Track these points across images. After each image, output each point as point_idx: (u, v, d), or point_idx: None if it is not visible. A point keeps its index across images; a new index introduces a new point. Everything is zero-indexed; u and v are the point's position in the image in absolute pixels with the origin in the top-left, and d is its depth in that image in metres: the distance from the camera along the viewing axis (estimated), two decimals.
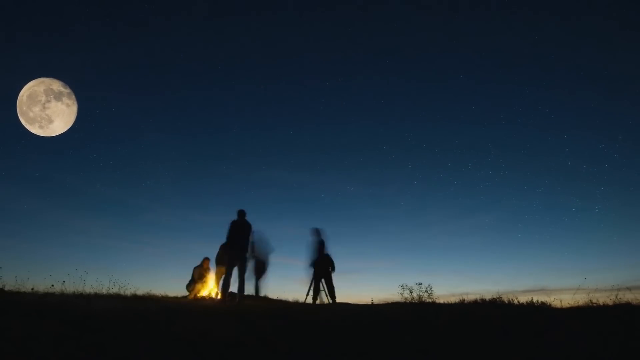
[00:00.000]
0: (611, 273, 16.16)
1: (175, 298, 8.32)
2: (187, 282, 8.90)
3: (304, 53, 20.09)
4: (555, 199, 18.14)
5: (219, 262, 8.68)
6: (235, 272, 7.46)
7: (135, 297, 6.30)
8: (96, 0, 17.22)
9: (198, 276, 8.88)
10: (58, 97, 11.26)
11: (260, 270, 8.87)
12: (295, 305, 7.44)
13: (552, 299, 6.79)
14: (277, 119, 20.41)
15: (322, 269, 8.80)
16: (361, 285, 18.23)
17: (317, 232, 9.05)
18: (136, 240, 18.85)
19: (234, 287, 7.50)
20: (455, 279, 18.32)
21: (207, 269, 9.09)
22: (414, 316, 4.84)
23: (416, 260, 19.00)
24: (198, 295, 8.75)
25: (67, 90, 11.41)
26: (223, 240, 7.64)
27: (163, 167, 19.20)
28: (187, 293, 8.79)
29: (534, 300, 7.07)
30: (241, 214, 7.81)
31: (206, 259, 9.13)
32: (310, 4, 19.16)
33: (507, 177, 18.11)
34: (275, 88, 20.24)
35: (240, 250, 7.46)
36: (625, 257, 16.47)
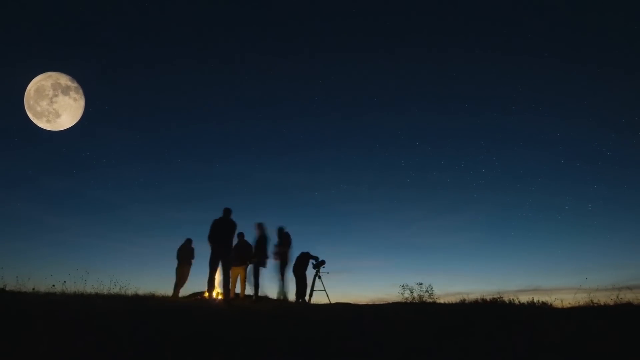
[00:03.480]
0: (605, 272, 16.19)
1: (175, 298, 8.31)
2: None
3: (295, 50, 20.04)
4: (548, 197, 18.16)
5: (178, 258, 8.96)
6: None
7: (136, 298, 6.28)
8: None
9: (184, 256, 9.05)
10: (65, 91, 11.26)
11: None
12: (296, 306, 7.44)
13: (552, 298, 6.81)
14: (270, 117, 20.37)
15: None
16: (353, 284, 18.17)
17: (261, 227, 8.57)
18: (127, 242, 18.84)
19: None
20: (447, 278, 18.28)
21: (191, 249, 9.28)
22: (418, 316, 4.84)
23: (408, 259, 18.95)
24: (197, 296, 8.74)
25: (75, 85, 11.45)
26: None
27: (153, 167, 19.20)
28: (190, 293, 8.81)
29: (535, 300, 7.09)
30: (226, 212, 7.68)
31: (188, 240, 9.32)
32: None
33: (500, 175, 18.15)
34: (267, 87, 20.19)
35: (223, 248, 7.41)
36: (619, 256, 16.50)
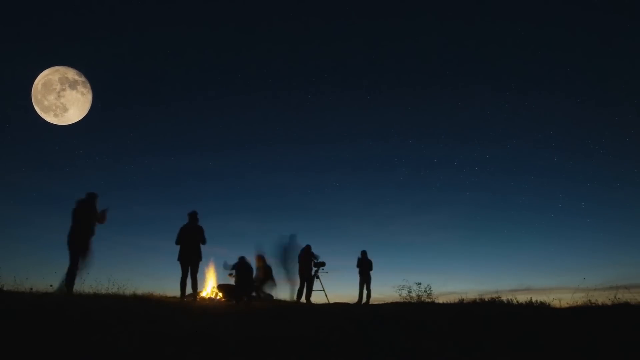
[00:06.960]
0: (600, 271, 16.26)
1: (174, 298, 8.28)
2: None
3: (290, 48, 19.97)
4: (541, 195, 18.22)
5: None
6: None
7: (134, 297, 6.25)
8: None
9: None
10: (73, 85, 11.24)
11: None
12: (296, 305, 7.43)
13: (551, 298, 6.87)
14: (265, 115, 20.30)
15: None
16: (343, 284, 18.12)
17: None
18: (127, 241, 18.70)
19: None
20: (440, 278, 18.28)
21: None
22: (417, 316, 4.86)
23: (399, 258, 18.94)
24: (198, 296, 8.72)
25: (82, 79, 11.43)
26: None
27: (145, 165, 19.12)
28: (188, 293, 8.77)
29: (533, 300, 7.15)
30: (191, 217, 7.49)
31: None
32: None
33: (493, 174, 18.21)
34: (262, 86, 20.10)
35: (191, 253, 7.38)
36: (613, 255, 16.59)
